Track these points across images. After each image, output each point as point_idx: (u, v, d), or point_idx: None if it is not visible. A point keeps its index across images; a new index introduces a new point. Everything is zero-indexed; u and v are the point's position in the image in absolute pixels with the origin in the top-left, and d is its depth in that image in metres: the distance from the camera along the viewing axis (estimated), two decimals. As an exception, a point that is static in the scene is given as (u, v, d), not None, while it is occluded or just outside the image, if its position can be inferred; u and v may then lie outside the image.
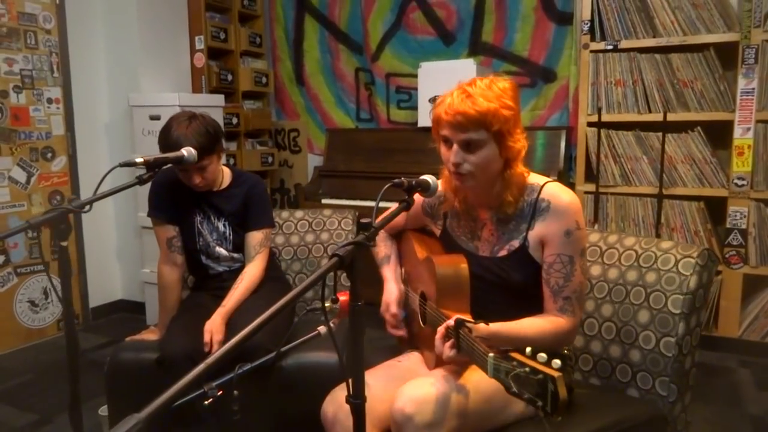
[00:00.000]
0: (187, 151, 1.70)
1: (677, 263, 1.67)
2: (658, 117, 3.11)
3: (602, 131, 3.22)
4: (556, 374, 0.91)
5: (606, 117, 3.22)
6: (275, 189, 4.69)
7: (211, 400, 1.30)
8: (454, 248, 1.58)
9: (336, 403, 1.41)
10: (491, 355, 1.04)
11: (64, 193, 3.53)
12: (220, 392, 1.32)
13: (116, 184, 1.57)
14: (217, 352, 0.77)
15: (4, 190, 3.22)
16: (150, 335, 2.07)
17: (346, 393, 1.42)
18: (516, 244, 1.47)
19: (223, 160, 2.07)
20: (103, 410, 2.42)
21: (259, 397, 1.69)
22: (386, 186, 1.12)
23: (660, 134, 3.10)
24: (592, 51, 3.23)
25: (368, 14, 4.11)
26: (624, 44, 3.16)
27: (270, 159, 4.39)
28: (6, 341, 3.25)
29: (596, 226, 3.21)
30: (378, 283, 1.67)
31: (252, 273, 2.02)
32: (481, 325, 1.27)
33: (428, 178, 1.30)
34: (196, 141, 1.84)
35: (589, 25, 3.23)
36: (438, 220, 1.67)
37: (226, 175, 2.09)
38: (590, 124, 3.26)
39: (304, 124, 4.55)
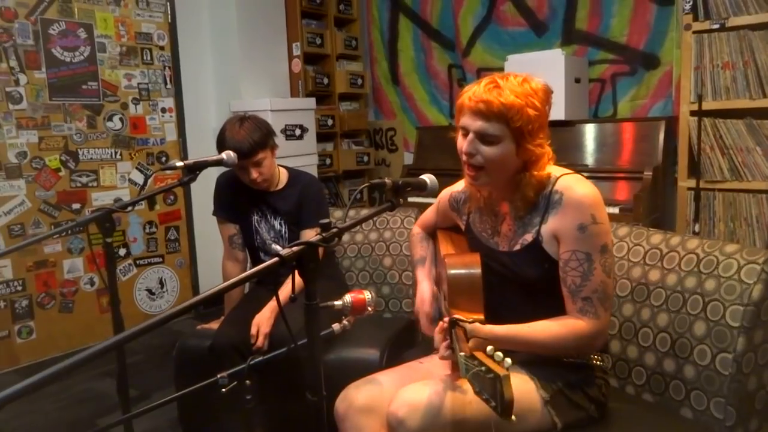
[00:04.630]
0: (227, 155, 1.81)
1: (739, 270, 1.47)
2: (772, 102, 2.72)
3: (707, 120, 2.89)
4: (502, 373, 0.85)
5: (712, 104, 2.88)
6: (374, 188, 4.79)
7: (224, 389, 1.38)
8: (477, 244, 1.55)
9: (348, 400, 1.43)
10: (462, 354, 1.01)
11: (177, 194, 3.90)
12: (235, 383, 1.39)
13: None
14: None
15: (125, 190, 3.63)
16: (215, 325, 2.23)
17: (359, 390, 1.45)
18: (529, 238, 1.40)
19: (277, 155, 2.15)
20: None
21: (287, 388, 1.76)
22: (362, 185, 1.12)
23: (777, 122, 2.72)
24: (695, 32, 2.91)
25: (459, 9, 4.05)
26: (732, 22, 2.80)
27: (366, 158, 4.50)
28: (127, 325, 3.64)
29: (697, 227, 2.89)
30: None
31: (304, 270, 2.09)
32: (477, 325, 1.23)
33: (426, 177, 1.28)
34: (251, 138, 1.97)
35: (691, 3, 2.90)
36: (462, 215, 1.65)
37: (282, 176, 2.19)
38: (693, 113, 2.94)
39: (400, 123, 4.60)
